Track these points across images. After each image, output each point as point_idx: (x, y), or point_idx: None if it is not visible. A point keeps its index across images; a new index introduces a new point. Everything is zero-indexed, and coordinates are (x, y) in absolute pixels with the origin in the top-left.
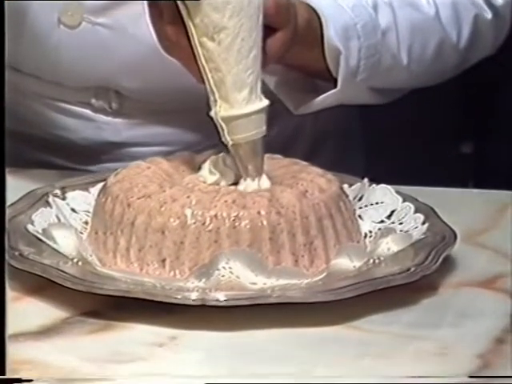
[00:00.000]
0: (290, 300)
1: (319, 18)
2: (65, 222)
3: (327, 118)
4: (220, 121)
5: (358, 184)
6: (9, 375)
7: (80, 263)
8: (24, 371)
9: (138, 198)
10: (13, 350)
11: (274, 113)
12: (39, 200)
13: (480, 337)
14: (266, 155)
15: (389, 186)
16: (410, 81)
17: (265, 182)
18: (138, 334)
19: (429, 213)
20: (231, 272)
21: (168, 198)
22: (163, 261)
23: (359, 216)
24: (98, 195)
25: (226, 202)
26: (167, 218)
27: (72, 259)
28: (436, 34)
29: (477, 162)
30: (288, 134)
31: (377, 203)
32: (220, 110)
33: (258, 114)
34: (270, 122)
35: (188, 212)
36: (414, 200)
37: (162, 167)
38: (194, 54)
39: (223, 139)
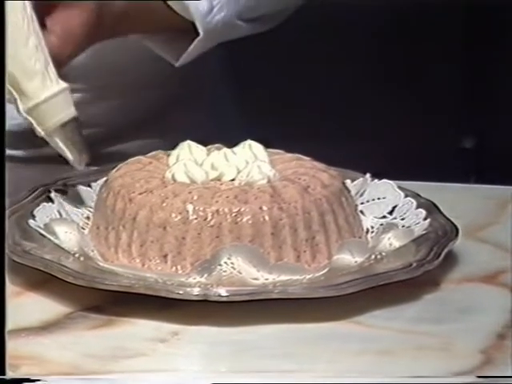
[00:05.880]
0: (291, 295)
1: None
2: (66, 217)
3: None
4: (25, 115)
5: (360, 179)
6: (10, 371)
7: (82, 258)
8: (25, 367)
9: (140, 194)
10: (14, 346)
11: None
12: (41, 195)
13: (482, 332)
14: (268, 150)
15: (391, 182)
16: None
17: None
18: (139, 329)
19: (430, 208)
20: (233, 267)
21: (169, 193)
22: (165, 256)
23: (361, 211)
24: (100, 190)
25: (227, 197)
26: (169, 213)
27: (74, 254)
28: None
29: (478, 157)
30: None
31: (379, 198)
32: (21, 105)
33: (57, 97)
34: None
35: (189, 207)
36: (415, 195)
37: (164, 162)
38: None
39: (37, 133)
